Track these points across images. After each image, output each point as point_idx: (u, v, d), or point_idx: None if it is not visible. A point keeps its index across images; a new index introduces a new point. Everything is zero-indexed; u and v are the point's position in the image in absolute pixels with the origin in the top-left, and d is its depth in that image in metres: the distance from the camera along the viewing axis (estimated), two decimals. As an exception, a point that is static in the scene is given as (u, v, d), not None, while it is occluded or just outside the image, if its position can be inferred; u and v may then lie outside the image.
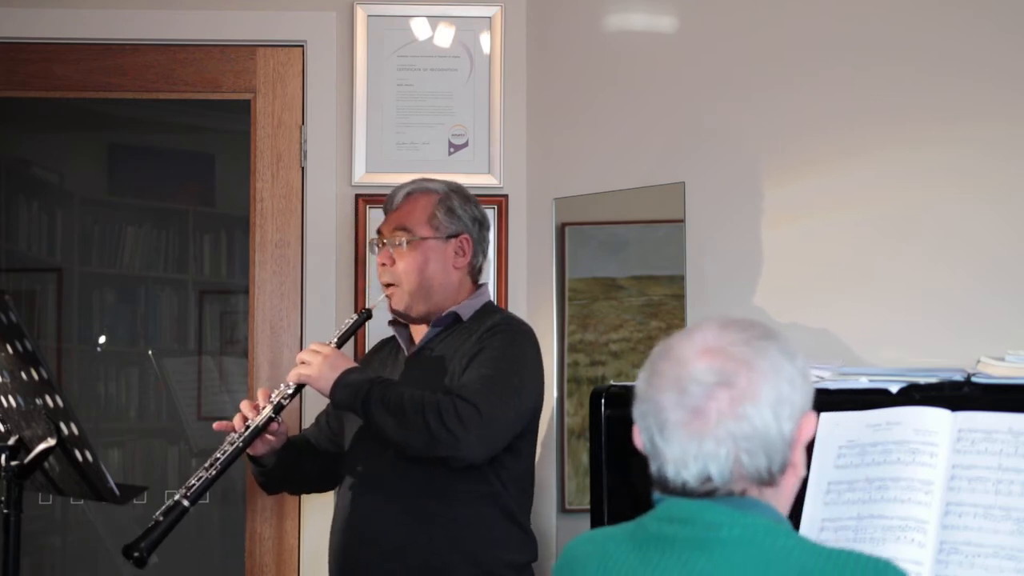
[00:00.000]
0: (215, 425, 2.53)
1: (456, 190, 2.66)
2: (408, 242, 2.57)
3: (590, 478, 2.26)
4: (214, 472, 2.39)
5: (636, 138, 3.01)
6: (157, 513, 2.34)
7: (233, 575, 3.38)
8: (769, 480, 1.48)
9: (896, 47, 2.54)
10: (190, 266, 4.71)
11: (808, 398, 1.52)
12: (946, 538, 1.75)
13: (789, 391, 1.48)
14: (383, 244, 2.61)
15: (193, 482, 2.38)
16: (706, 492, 1.47)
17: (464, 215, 2.63)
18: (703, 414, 1.46)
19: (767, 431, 1.46)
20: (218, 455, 2.42)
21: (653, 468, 1.52)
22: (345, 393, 2.42)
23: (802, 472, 1.52)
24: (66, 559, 4.36)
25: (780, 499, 1.51)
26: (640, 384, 1.54)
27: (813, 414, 1.52)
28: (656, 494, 1.53)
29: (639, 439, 1.54)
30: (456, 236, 2.60)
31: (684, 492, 1.49)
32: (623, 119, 3.05)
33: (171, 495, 2.40)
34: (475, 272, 2.67)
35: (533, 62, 3.29)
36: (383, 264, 2.60)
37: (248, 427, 2.47)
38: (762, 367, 1.47)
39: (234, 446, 2.44)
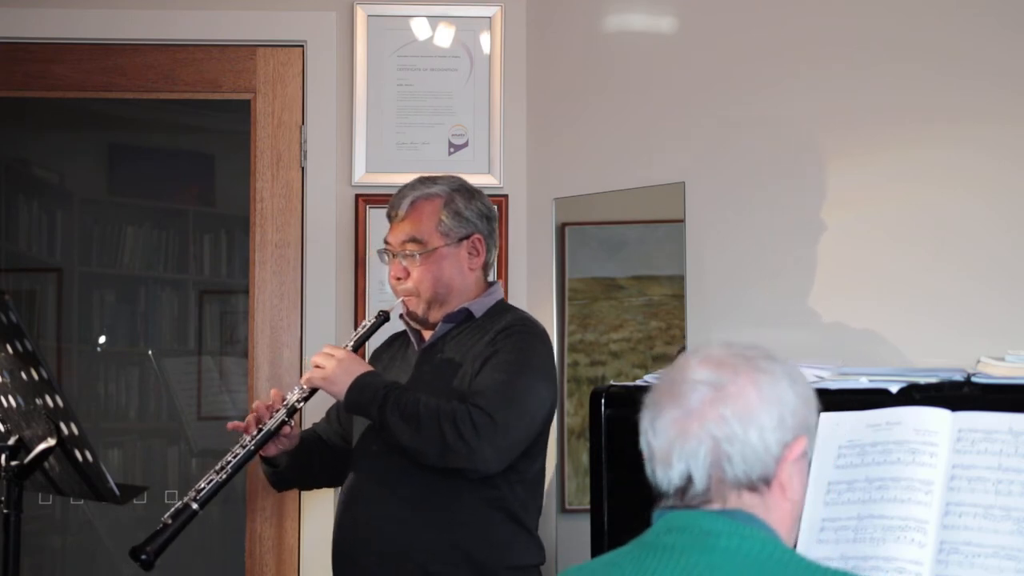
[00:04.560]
0: (229, 425, 2.52)
1: (458, 189, 2.59)
2: (420, 254, 2.52)
3: (590, 478, 2.26)
4: (224, 476, 2.38)
5: (636, 138, 3.01)
6: (166, 516, 2.33)
7: (233, 575, 3.38)
8: (749, 486, 1.49)
9: (897, 47, 2.54)
10: (190, 266, 4.70)
11: (802, 423, 1.53)
12: (946, 538, 1.75)
13: (779, 407, 1.50)
14: (394, 256, 2.55)
15: (203, 485, 2.37)
16: (693, 497, 1.49)
17: (471, 215, 2.57)
18: (691, 413, 1.49)
19: (747, 438, 1.47)
20: (229, 458, 2.40)
21: (648, 473, 1.54)
22: (360, 399, 2.40)
23: (794, 497, 1.53)
24: (66, 559, 4.35)
25: (770, 516, 1.50)
26: (646, 397, 1.56)
27: (805, 439, 1.53)
28: (655, 511, 1.54)
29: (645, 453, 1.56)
30: (467, 238, 2.56)
31: (675, 500, 1.50)
32: (623, 119, 3.05)
33: (173, 495, 2.40)
34: (487, 267, 2.63)
35: (533, 62, 3.29)
36: (398, 278, 2.54)
37: (260, 430, 2.45)
38: (754, 378, 1.50)
39: (245, 449, 2.42)
